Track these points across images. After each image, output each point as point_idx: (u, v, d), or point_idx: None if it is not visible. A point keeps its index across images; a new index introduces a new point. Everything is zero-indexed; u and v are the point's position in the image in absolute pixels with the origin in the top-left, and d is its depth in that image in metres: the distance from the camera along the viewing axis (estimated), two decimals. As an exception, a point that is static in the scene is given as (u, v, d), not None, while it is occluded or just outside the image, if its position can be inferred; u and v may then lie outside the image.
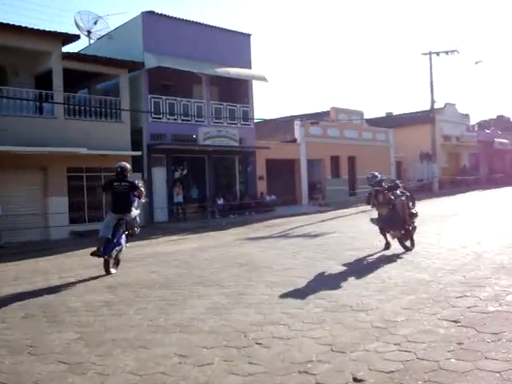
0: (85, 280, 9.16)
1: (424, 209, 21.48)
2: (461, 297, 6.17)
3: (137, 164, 20.55)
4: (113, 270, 9.63)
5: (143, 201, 10.34)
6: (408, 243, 10.30)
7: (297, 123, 29.07)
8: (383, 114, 45.49)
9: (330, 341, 4.86)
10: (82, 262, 11.91)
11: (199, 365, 4.45)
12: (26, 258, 13.26)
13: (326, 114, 31.67)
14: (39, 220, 17.71)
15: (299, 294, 6.94)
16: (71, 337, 5.51)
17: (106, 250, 9.25)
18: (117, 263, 9.92)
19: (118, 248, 9.61)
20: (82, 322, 6.10)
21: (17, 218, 16.75)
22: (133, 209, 9.90)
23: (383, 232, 10.55)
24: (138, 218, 10.25)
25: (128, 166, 10.06)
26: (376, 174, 11.02)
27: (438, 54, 35.12)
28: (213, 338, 5.16)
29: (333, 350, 4.62)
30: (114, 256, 9.63)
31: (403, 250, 10.09)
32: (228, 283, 8.01)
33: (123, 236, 9.76)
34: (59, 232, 17.67)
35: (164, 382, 4.14)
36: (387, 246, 10.44)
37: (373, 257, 9.85)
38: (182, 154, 22.78)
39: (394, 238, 10.34)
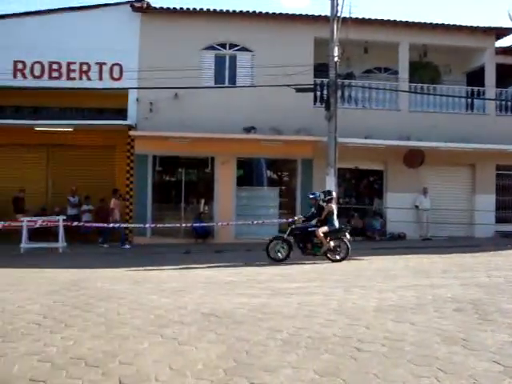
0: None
1: None
2: None
3: None
4: None
5: None
6: None
7: None
8: None
9: None
10: (508, 262, 11.42)
11: None
12: (450, 252, 13.54)
13: None
14: (464, 216, 17.80)
15: None
16: (504, 339, 5.32)
17: None
18: None
19: None
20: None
21: (443, 213, 17.32)
22: None
23: None
24: None
25: None
26: None
27: None
28: None
29: None
30: None
31: None
32: None
33: None
34: (484, 230, 17.38)
35: None
36: None
37: None
38: None
39: None
